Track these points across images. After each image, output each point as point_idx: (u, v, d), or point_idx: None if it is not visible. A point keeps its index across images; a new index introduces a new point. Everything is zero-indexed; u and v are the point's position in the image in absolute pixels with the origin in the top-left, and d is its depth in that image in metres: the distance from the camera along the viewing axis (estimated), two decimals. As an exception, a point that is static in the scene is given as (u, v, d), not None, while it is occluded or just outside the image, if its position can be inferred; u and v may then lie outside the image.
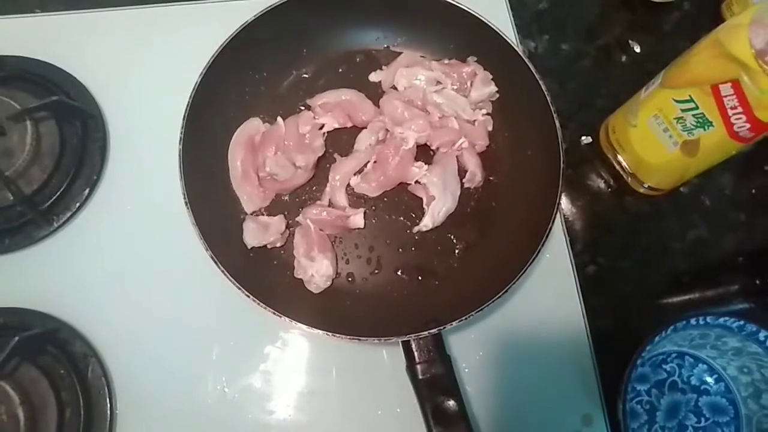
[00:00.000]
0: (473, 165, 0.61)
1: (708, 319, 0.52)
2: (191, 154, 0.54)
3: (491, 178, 0.62)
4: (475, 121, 0.62)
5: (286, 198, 0.61)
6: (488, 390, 0.57)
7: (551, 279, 0.60)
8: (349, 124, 0.62)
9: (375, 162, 0.60)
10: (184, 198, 0.52)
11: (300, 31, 0.63)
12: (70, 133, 0.62)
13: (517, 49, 0.59)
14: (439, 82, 0.63)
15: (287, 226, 0.58)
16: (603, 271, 0.62)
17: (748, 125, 0.48)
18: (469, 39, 0.62)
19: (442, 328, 0.50)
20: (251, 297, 0.50)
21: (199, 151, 0.56)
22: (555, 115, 0.56)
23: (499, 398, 0.56)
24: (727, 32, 0.47)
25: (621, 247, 0.63)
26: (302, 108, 0.63)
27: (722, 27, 0.48)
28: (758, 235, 0.64)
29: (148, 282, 0.59)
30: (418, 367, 0.50)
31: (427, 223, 0.58)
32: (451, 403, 0.48)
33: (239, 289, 0.50)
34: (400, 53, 0.65)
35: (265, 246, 0.57)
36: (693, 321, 0.52)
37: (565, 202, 0.65)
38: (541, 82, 0.57)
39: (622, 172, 0.65)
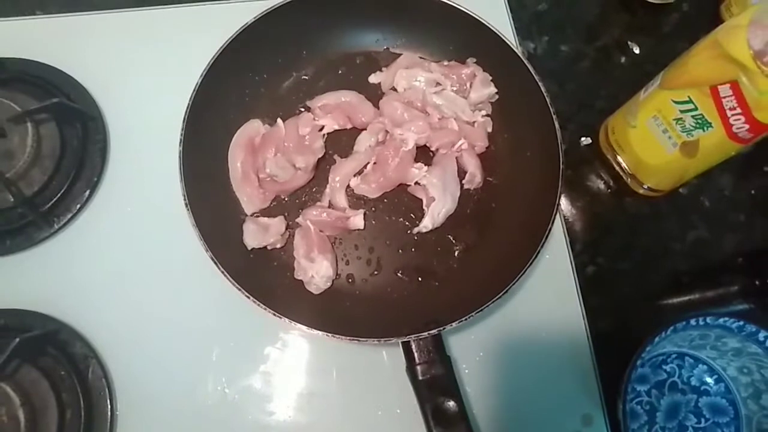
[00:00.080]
0: (473, 166, 0.61)
1: (708, 319, 0.52)
2: (191, 156, 0.54)
3: (491, 179, 0.62)
4: (474, 122, 0.63)
5: (286, 199, 0.61)
6: (488, 391, 0.57)
7: (551, 280, 0.60)
8: (349, 126, 0.63)
9: (375, 163, 0.60)
10: (185, 199, 0.52)
11: (300, 32, 0.63)
12: (70, 135, 0.62)
13: (516, 50, 0.59)
14: (438, 84, 0.63)
15: (287, 228, 0.58)
16: (603, 271, 0.62)
17: (746, 126, 0.48)
18: (469, 40, 0.63)
19: (441, 328, 0.50)
20: (251, 298, 0.50)
21: (199, 153, 0.56)
22: (554, 117, 0.56)
23: (499, 399, 0.56)
24: (725, 33, 0.47)
25: (621, 248, 0.63)
26: (302, 109, 0.63)
27: (721, 28, 0.48)
28: (758, 236, 0.64)
29: (149, 283, 0.59)
30: (418, 367, 0.50)
31: (426, 224, 0.58)
32: (451, 403, 0.48)
33: (239, 290, 0.50)
34: (399, 55, 0.65)
35: (265, 247, 0.57)
36: (693, 322, 0.52)
37: (564, 203, 0.65)
38: (540, 84, 0.57)
39: (621, 173, 0.65)
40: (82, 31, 0.69)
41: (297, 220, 0.58)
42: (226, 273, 0.50)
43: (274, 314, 0.49)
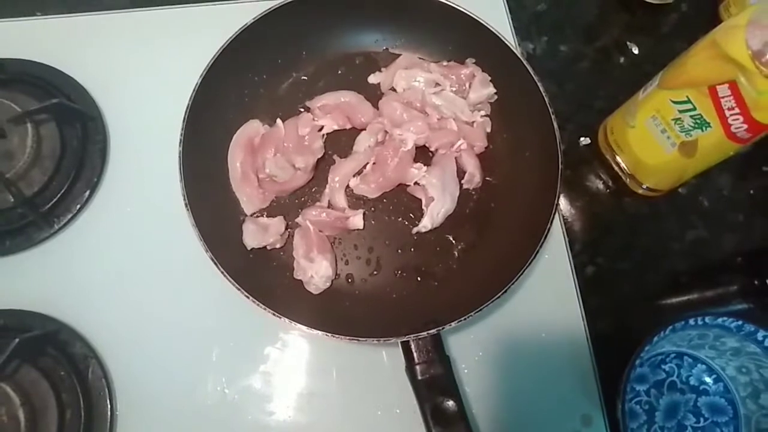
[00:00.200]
0: (472, 166, 0.61)
1: (707, 319, 0.52)
2: (191, 156, 0.54)
3: (490, 179, 0.62)
4: (473, 122, 0.63)
5: (286, 199, 0.61)
6: (487, 390, 0.57)
7: (550, 280, 0.61)
8: (349, 126, 0.63)
9: (374, 163, 0.60)
10: (184, 200, 0.52)
11: (299, 33, 0.63)
12: (70, 136, 0.62)
13: (515, 50, 0.59)
14: (437, 84, 0.63)
15: (287, 228, 0.58)
16: (602, 271, 0.62)
17: (745, 126, 0.48)
18: (468, 41, 0.63)
19: (441, 328, 0.50)
20: (251, 298, 0.50)
21: (198, 153, 0.56)
22: (553, 117, 0.56)
23: (499, 399, 0.56)
24: (724, 33, 0.47)
25: (620, 248, 0.63)
26: (301, 110, 0.63)
27: (719, 28, 0.48)
28: (756, 236, 0.65)
29: (148, 283, 0.59)
30: (418, 367, 0.50)
31: (426, 224, 0.58)
32: (451, 403, 0.48)
33: (239, 290, 0.50)
34: (399, 55, 0.65)
35: (265, 247, 0.57)
36: (692, 321, 0.52)
37: (563, 203, 0.65)
38: (539, 84, 0.57)
39: (620, 173, 0.65)
40: (81, 31, 0.69)
41: (296, 220, 0.58)
42: (225, 273, 0.50)
43: (274, 314, 0.49)
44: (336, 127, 0.62)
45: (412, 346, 0.51)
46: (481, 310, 0.50)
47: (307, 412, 0.56)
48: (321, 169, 0.61)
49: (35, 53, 0.66)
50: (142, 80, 0.67)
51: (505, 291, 0.51)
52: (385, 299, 0.58)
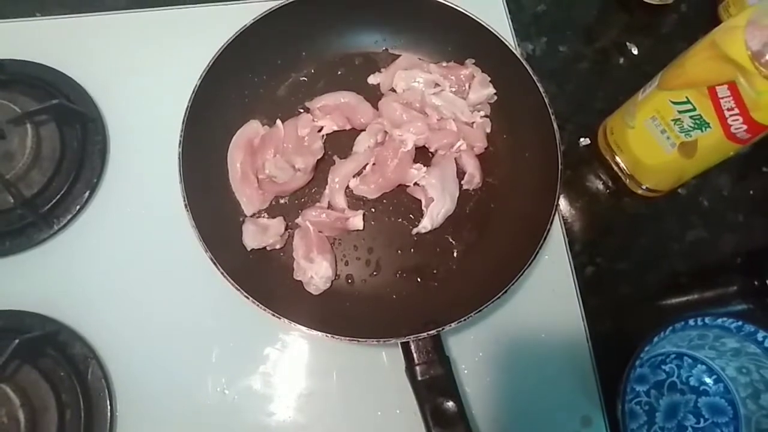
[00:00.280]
0: (472, 167, 0.61)
1: (706, 319, 0.52)
2: (191, 157, 0.55)
3: (490, 179, 0.62)
4: (473, 123, 0.63)
5: (286, 200, 0.61)
6: (487, 391, 0.57)
7: (550, 280, 0.61)
8: (348, 127, 0.63)
9: (374, 164, 0.60)
10: (184, 200, 0.52)
11: (299, 33, 0.63)
12: (70, 137, 0.62)
13: (515, 51, 0.59)
14: (437, 85, 0.63)
15: (286, 228, 0.58)
16: (602, 272, 0.62)
17: (744, 126, 0.48)
18: (468, 41, 0.63)
19: (441, 329, 0.50)
20: (251, 299, 0.50)
21: (198, 154, 0.56)
22: (553, 117, 0.56)
23: (499, 399, 0.56)
24: (723, 34, 0.47)
25: (620, 248, 0.63)
26: (301, 110, 0.63)
27: (719, 29, 0.48)
28: (756, 236, 0.65)
29: (148, 284, 0.59)
30: (417, 368, 0.50)
31: (425, 224, 0.58)
32: (450, 404, 0.48)
33: (239, 290, 0.50)
34: (398, 56, 0.66)
35: (265, 248, 0.57)
36: (692, 322, 0.52)
37: (563, 204, 0.65)
38: (539, 84, 0.57)
39: (620, 174, 0.65)
40: (81, 32, 0.69)
41: (296, 220, 0.58)
42: (225, 274, 0.50)
43: (274, 315, 0.49)
44: (336, 128, 0.62)
45: (412, 347, 0.51)
46: (481, 310, 0.50)
47: (307, 413, 0.56)
48: (321, 169, 0.61)
49: (35, 54, 0.66)
50: (142, 81, 0.67)
51: (505, 291, 0.51)
52: (385, 300, 0.58)
